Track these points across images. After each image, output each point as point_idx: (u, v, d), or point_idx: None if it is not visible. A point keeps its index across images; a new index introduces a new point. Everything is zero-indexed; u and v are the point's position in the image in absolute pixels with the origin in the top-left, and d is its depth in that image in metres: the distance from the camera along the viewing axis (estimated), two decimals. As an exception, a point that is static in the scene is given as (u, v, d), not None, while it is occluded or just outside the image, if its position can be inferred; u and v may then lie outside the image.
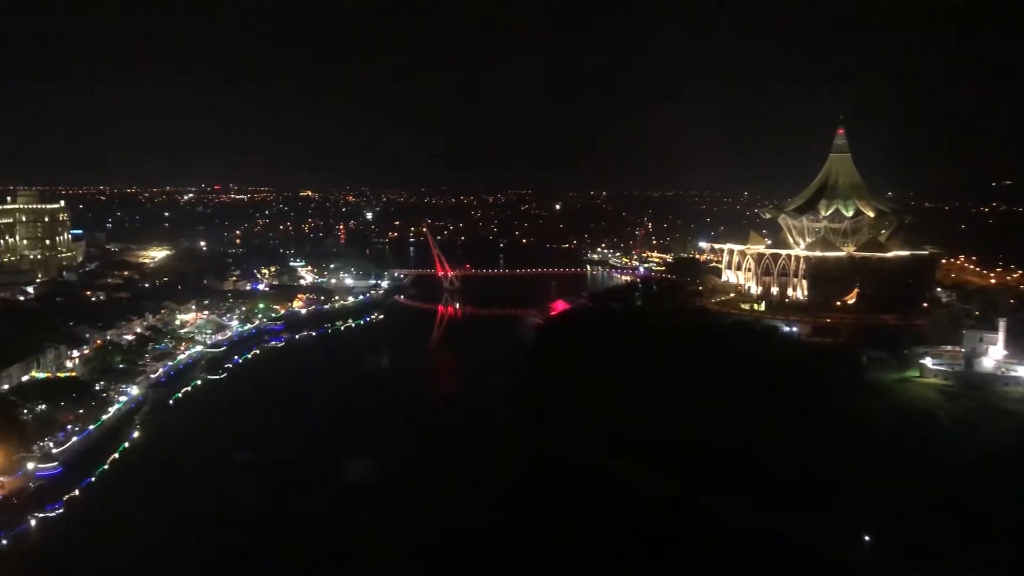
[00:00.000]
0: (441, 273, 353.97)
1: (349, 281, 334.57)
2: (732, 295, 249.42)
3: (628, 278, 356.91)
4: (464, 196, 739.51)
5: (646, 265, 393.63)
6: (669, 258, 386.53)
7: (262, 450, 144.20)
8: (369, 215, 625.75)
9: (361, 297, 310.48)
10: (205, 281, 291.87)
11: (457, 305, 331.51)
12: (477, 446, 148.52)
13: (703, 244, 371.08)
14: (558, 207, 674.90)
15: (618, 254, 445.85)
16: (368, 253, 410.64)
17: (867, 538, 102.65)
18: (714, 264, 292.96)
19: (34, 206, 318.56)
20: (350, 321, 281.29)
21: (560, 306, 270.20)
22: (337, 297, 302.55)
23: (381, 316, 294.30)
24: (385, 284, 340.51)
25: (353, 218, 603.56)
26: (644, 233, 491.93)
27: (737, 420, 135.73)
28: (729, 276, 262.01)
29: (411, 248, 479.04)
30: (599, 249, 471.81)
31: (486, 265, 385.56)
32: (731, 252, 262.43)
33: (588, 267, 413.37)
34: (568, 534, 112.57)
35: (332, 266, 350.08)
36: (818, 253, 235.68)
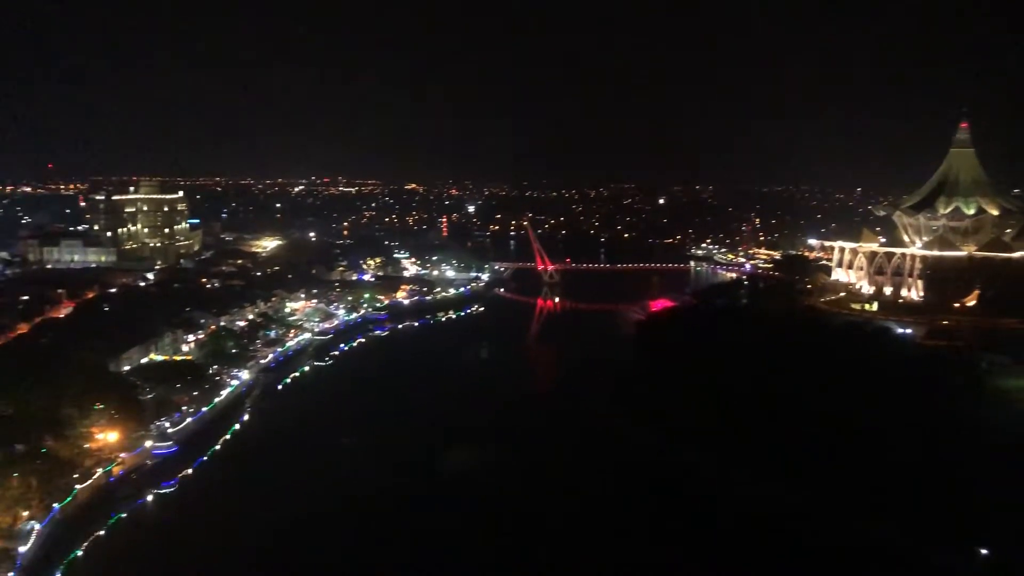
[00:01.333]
0: (541, 267, 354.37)
1: (451, 273, 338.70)
2: (843, 294, 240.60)
3: (733, 275, 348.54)
4: (565, 190, 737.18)
5: (753, 262, 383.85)
6: (777, 255, 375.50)
7: (366, 436, 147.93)
8: (471, 208, 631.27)
9: (462, 289, 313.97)
10: (314, 271, 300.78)
11: (556, 299, 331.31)
12: (574, 440, 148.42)
13: (813, 241, 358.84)
14: (662, 201, 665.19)
15: (723, 250, 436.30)
16: (470, 246, 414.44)
17: (984, 552, 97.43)
18: (824, 262, 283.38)
19: (154, 196, 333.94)
20: (451, 312, 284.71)
21: (662, 302, 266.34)
22: (439, 289, 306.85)
23: (481, 308, 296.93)
24: (486, 277, 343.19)
25: (456, 211, 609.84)
26: (751, 229, 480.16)
27: (845, 425, 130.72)
28: (840, 275, 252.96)
29: (512, 242, 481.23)
30: (703, 245, 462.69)
31: (586, 259, 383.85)
32: (842, 250, 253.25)
33: (692, 263, 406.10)
34: (660, 535, 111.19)
35: (435, 258, 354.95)
36: (936, 252, 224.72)
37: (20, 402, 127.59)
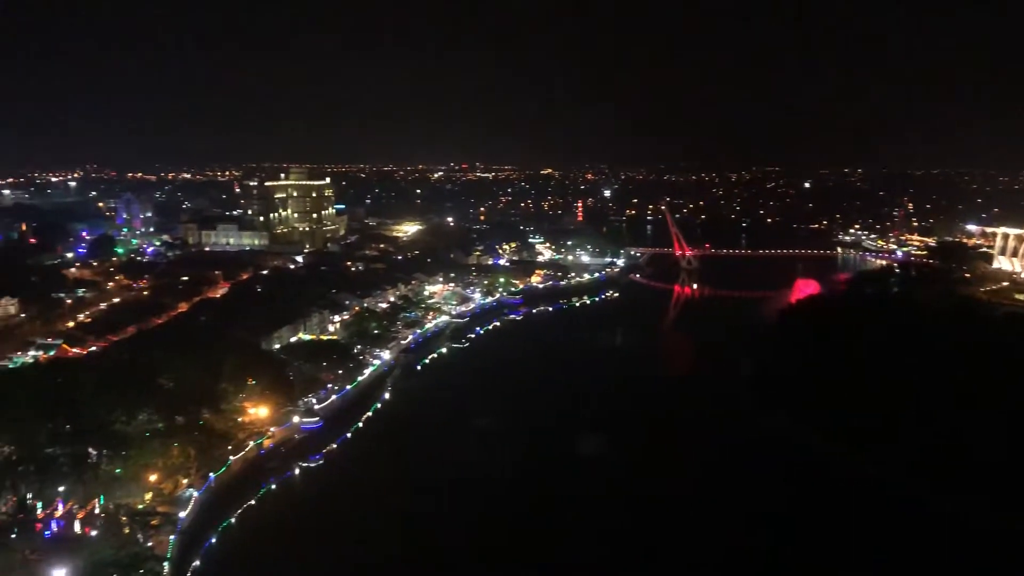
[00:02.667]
0: (679, 252, 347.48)
1: (585, 258, 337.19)
2: (1005, 284, 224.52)
3: (884, 262, 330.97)
4: (705, 173, 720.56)
5: (905, 249, 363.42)
6: (932, 242, 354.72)
7: (501, 417, 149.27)
8: (607, 193, 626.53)
9: (597, 274, 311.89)
10: (451, 255, 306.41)
11: (694, 285, 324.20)
12: (710, 430, 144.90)
13: (972, 227, 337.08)
14: (807, 185, 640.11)
15: (873, 236, 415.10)
16: (605, 231, 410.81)
17: None
18: (985, 249, 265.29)
19: (304, 182, 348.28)
20: (585, 298, 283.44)
21: (807, 289, 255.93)
22: (573, 274, 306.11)
23: (616, 294, 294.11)
24: (621, 262, 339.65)
25: (591, 196, 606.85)
26: (903, 214, 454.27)
27: (1004, 423, 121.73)
28: (1003, 263, 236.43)
29: (648, 227, 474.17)
30: (852, 230, 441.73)
31: (727, 245, 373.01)
32: (1006, 237, 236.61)
33: (839, 249, 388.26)
34: (794, 528, 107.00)
35: (569, 243, 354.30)
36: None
37: (180, 377, 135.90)
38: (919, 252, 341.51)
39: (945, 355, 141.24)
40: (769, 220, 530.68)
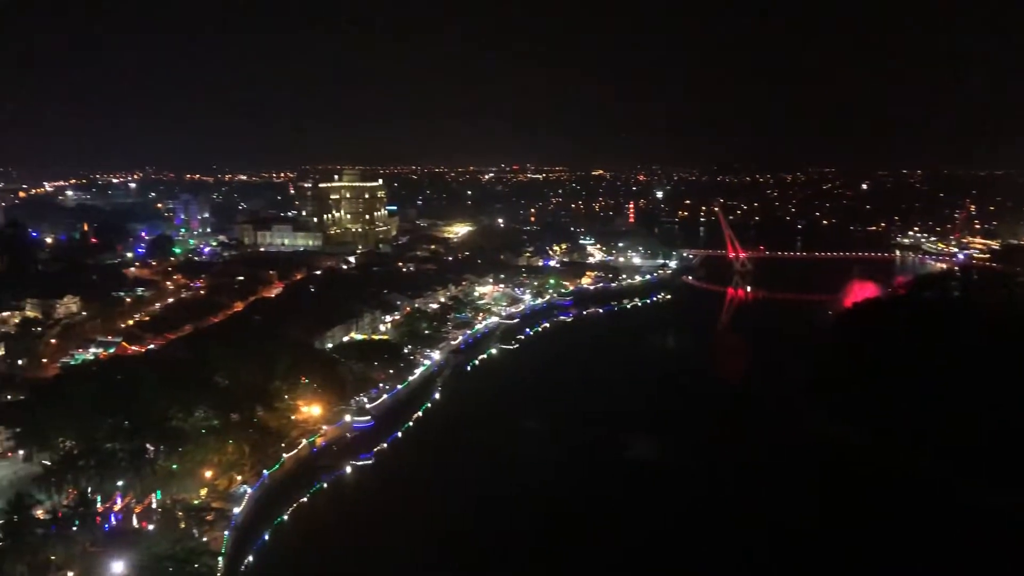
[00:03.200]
0: (732, 254, 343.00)
1: (637, 260, 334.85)
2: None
3: (944, 266, 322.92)
4: (760, 175, 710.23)
5: (966, 252, 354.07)
6: (995, 244, 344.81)
7: (549, 420, 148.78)
8: (659, 194, 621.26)
9: (648, 276, 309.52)
10: (502, 256, 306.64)
11: (748, 288, 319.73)
12: (763, 434, 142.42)
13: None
14: (865, 186, 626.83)
15: (933, 239, 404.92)
16: (657, 232, 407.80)
17: None
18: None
19: (357, 184, 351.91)
20: (636, 300, 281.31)
21: (863, 293, 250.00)
22: (624, 276, 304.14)
23: (668, 296, 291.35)
24: (673, 264, 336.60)
25: (643, 197, 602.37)
26: (965, 216, 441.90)
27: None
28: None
29: (701, 228, 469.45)
30: (910, 233, 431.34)
31: (781, 247, 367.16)
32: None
33: (897, 252, 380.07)
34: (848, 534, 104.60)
35: (621, 245, 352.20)
36: None
37: (235, 375, 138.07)
38: (981, 255, 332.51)
39: (1007, 361, 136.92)
40: (825, 222, 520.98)
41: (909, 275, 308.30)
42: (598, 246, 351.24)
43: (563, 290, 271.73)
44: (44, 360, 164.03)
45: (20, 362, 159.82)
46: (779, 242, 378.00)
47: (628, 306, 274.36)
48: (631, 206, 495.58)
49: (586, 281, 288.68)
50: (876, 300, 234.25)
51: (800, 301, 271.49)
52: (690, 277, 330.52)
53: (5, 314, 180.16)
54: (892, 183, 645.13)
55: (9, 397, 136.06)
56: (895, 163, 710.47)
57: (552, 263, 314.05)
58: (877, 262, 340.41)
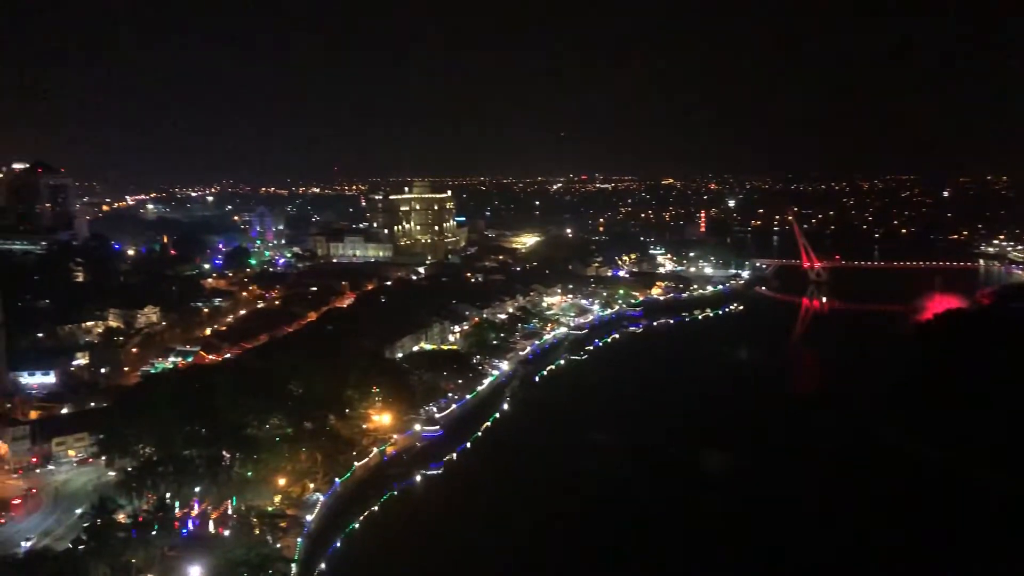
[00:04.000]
0: (807, 264, 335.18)
1: (708, 270, 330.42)
2: None
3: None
4: (835, 182, 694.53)
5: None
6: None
7: (617, 432, 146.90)
8: (731, 203, 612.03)
9: (720, 287, 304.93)
10: (570, 266, 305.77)
11: (824, 299, 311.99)
12: (840, 454, 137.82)
13: None
14: (946, 194, 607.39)
15: (1020, 247, 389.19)
16: (729, 242, 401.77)
17: None
18: None
19: (426, 195, 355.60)
20: (708, 310, 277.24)
21: (946, 303, 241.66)
22: (695, 286, 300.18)
23: (740, 307, 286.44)
24: (746, 274, 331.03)
25: (715, 206, 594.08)
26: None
27: None
28: None
29: (775, 237, 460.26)
30: (995, 241, 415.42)
31: (858, 257, 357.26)
32: None
33: (980, 261, 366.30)
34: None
35: (691, 254, 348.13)
36: None
37: (308, 384, 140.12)
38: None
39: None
40: (904, 231, 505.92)
41: (994, 285, 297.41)
42: (668, 256, 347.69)
43: (632, 300, 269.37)
44: (126, 368, 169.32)
45: (103, 370, 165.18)
46: (856, 251, 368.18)
47: (699, 317, 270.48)
48: (702, 215, 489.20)
49: (656, 291, 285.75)
50: (959, 311, 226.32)
51: (878, 312, 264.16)
52: (763, 287, 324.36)
53: (89, 324, 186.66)
54: (976, 190, 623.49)
55: (92, 404, 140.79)
56: (978, 169, 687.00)
57: (621, 273, 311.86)
58: (959, 272, 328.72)
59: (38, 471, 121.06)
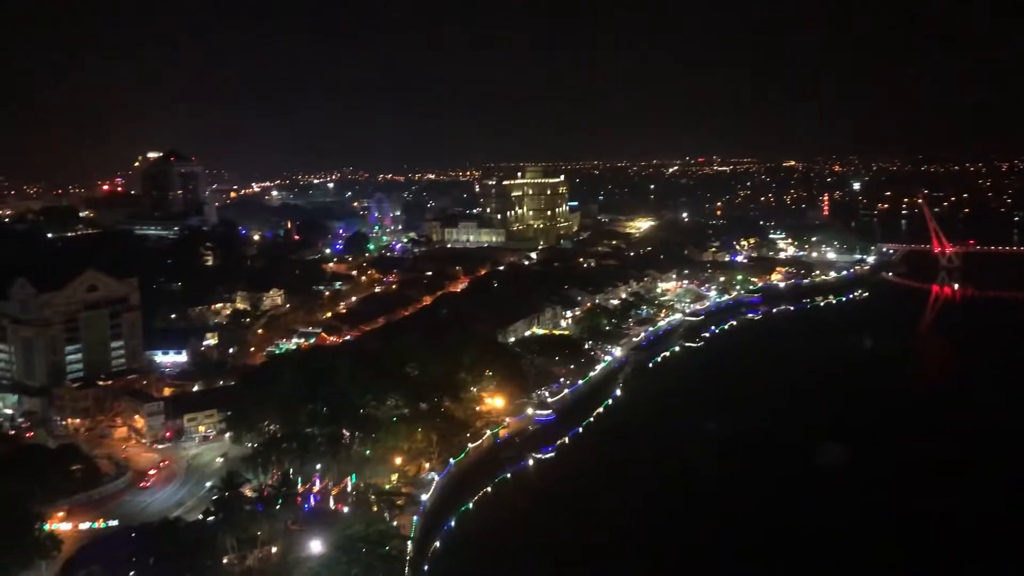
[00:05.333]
0: (938, 249, 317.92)
1: (831, 255, 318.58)
2: None
3: None
4: (970, 163, 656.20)
5: None
6: None
7: (732, 422, 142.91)
8: (856, 185, 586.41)
9: (844, 272, 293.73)
10: (686, 251, 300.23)
11: (956, 285, 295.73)
12: (969, 446, 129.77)
13: None
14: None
15: None
16: (853, 226, 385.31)
17: None
18: None
19: (539, 180, 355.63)
20: (830, 297, 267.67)
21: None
22: (817, 272, 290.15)
23: (865, 293, 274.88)
24: (871, 259, 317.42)
25: (839, 189, 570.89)
26: None
27: None
28: None
29: (903, 221, 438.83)
30: None
31: (995, 241, 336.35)
32: None
33: None
34: None
35: (814, 239, 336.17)
36: None
37: (424, 366, 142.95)
38: None
39: None
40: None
41: None
42: (789, 240, 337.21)
43: (751, 286, 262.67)
44: (252, 349, 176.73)
45: (231, 350, 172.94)
46: (992, 235, 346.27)
47: (821, 304, 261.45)
48: (825, 198, 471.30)
49: (776, 277, 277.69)
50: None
51: (1017, 300, 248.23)
52: (890, 273, 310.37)
53: (218, 306, 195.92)
54: None
55: (221, 383, 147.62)
56: None
57: (739, 258, 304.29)
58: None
59: (171, 445, 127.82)
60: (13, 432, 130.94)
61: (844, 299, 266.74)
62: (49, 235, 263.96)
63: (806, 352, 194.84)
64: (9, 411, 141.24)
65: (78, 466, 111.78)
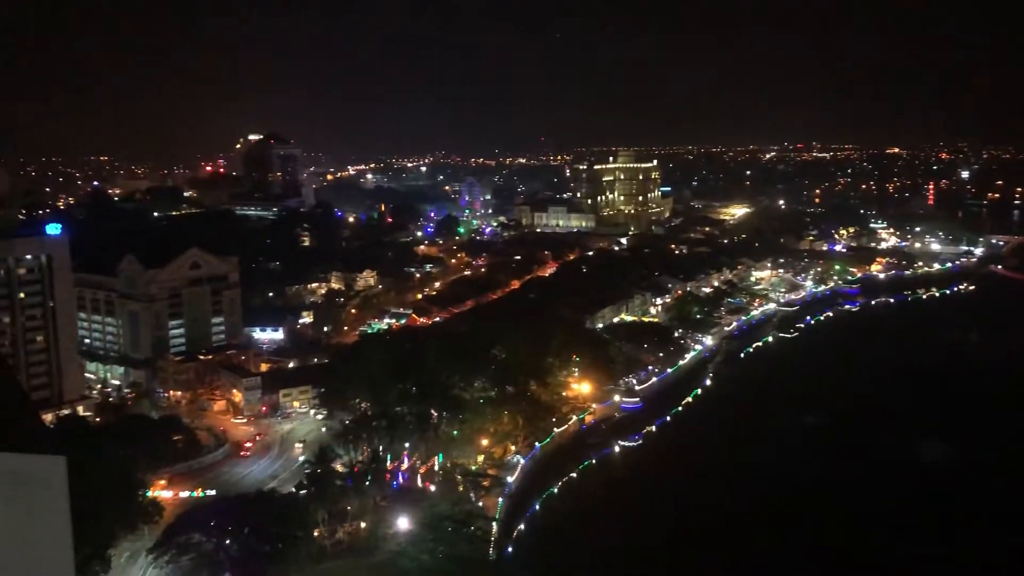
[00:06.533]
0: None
1: (935, 246, 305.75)
2: None
3: None
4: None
5: None
6: None
7: (826, 416, 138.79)
8: (965, 174, 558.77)
9: (948, 264, 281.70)
10: (782, 239, 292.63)
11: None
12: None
13: None
14: None
15: None
16: (960, 216, 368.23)
17: None
18: None
19: (631, 165, 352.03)
20: (933, 290, 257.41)
21: None
22: (920, 263, 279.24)
23: (971, 287, 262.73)
24: (979, 251, 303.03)
25: (945, 177, 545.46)
26: None
27: None
28: None
29: (1015, 212, 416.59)
30: None
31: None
32: None
33: None
34: None
35: (917, 229, 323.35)
36: None
37: (511, 349, 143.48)
38: None
39: None
40: None
41: None
42: (890, 230, 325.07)
43: (849, 277, 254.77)
44: (345, 328, 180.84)
45: (325, 328, 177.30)
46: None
47: (923, 296, 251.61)
48: (930, 187, 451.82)
49: (876, 268, 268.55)
50: None
51: None
52: (999, 266, 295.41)
53: (313, 285, 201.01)
54: None
55: (315, 360, 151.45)
56: None
57: (837, 248, 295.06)
58: None
59: (266, 419, 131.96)
60: (118, 403, 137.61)
61: (948, 292, 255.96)
62: (155, 214, 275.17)
63: (907, 347, 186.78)
64: (116, 382, 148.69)
65: (179, 436, 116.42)
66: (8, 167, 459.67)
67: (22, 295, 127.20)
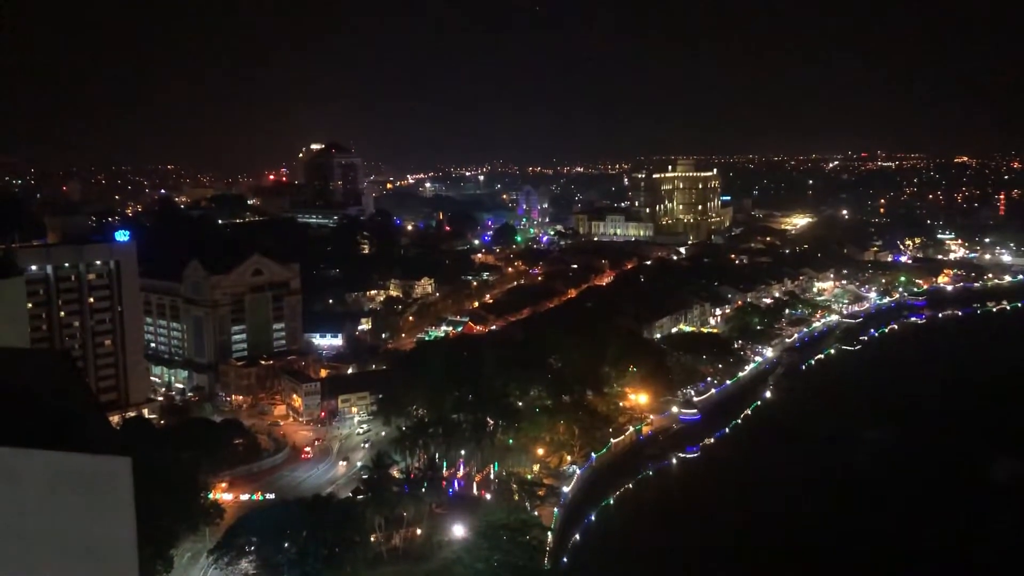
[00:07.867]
0: None
1: (1007, 258, 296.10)
2: None
3: None
4: None
5: None
6: None
7: (890, 431, 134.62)
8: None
9: (1021, 277, 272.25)
10: (845, 250, 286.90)
11: None
12: None
13: None
14: None
15: None
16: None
17: None
18: None
19: (690, 174, 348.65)
20: (1004, 303, 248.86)
21: None
22: (990, 275, 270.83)
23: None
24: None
25: (1017, 187, 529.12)
26: None
27: None
28: None
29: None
30: None
31: None
32: None
33: None
34: None
35: (986, 240, 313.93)
36: None
37: (567, 358, 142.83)
38: None
39: None
40: None
41: None
42: (959, 241, 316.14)
43: (915, 289, 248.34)
44: (403, 334, 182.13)
45: (384, 335, 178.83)
46: None
47: (994, 310, 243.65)
48: (1001, 197, 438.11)
49: (943, 280, 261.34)
50: None
51: None
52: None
53: (372, 292, 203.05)
54: None
55: (373, 366, 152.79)
56: None
57: (903, 259, 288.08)
58: None
59: (325, 424, 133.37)
60: (182, 406, 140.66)
61: (1020, 305, 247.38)
62: (220, 221, 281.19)
63: (975, 362, 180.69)
64: (180, 385, 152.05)
65: (240, 440, 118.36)
66: (80, 176, 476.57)
67: (91, 299, 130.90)
